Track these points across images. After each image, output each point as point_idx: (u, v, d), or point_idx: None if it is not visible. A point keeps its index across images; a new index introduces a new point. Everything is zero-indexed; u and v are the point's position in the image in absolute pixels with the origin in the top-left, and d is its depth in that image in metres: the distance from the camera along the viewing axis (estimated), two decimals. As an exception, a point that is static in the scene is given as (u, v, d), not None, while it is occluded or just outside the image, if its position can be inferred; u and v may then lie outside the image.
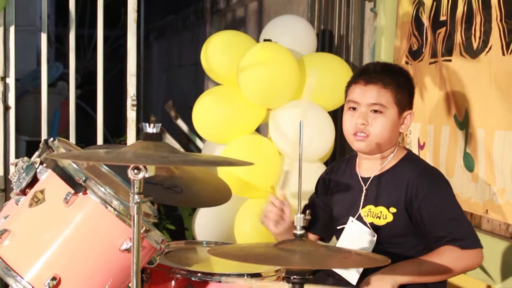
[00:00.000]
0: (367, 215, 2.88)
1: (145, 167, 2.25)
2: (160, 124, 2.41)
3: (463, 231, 2.76)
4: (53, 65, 8.87)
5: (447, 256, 2.73)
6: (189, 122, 4.95)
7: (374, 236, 2.83)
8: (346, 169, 3.05)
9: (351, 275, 2.87)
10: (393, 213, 2.82)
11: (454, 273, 2.77)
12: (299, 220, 2.31)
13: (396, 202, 2.82)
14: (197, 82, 9.11)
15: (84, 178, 2.62)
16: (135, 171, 2.25)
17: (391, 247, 2.83)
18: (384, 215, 2.84)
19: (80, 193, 2.62)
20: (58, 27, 12.17)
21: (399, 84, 2.87)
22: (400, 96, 2.86)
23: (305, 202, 3.19)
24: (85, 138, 5.56)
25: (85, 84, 9.31)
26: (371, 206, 2.88)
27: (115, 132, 9.20)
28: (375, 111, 2.84)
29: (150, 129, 2.41)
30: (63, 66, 8.67)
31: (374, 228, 2.85)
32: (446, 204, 2.80)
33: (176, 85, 10.63)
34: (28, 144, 7.09)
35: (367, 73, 2.90)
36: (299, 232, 2.29)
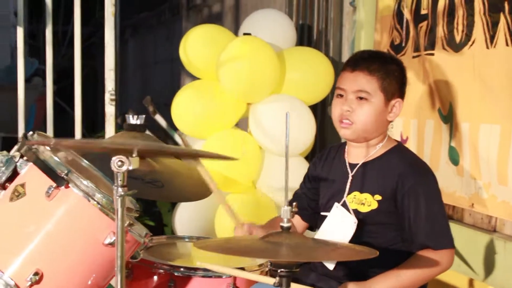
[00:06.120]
0: (352, 202, 2.84)
1: (128, 159, 2.19)
2: (144, 116, 2.37)
3: (439, 230, 2.73)
4: (28, 60, 8.78)
5: (423, 262, 2.69)
6: (165, 118, 4.92)
7: (355, 222, 2.79)
8: (336, 156, 3.02)
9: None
10: (378, 201, 2.79)
11: (431, 277, 2.75)
12: (286, 212, 2.27)
13: (383, 190, 2.79)
14: (172, 79, 9.05)
15: (66, 171, 2.57)
16: (119, 163, 2.19)
17: (371, 236, 2.79)
18: (368, 202, 2.80)
19: (62, 187, 2.57)
20: (30, 23, 12.08)
21: (386, 71, 2.82)
22: (387, 83, 2.81)
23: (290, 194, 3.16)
24: (61, 134, 5.48)
25: (59, 80, 9.21)
26: (356, 193, 2.84)
27: (90, 128, 9.13)
28: (360, 98, 2.81)
29: (134, 120, 2.37)
30: (38, 62, 8.58)
31: (357, 214, 2.81)
32: (429, 200, 2.76)
33: (152, 81, 10.57)
34: (4, 140, 7.00)
35: (354, 60, 2.88)
36: (285, 224, 2.25)
